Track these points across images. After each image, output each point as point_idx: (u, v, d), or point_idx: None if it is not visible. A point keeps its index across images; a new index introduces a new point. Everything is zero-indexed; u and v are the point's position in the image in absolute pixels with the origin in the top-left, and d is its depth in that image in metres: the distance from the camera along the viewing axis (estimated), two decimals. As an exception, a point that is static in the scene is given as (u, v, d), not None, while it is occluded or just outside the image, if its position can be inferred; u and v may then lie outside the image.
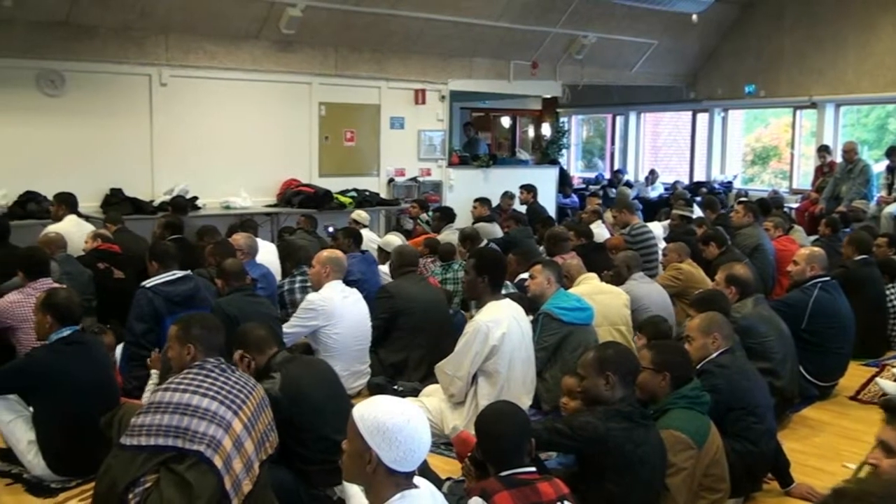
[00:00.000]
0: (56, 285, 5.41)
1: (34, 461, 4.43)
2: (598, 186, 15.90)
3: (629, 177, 17.02)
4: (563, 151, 16.18)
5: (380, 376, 5.95)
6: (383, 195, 11.91)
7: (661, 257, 7.93)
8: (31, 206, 8.79)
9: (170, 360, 3.91)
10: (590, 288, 6.06)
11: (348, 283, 6.02)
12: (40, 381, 4.39)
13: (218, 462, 3.39)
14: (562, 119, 16.39)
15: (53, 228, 7.43)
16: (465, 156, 13.49)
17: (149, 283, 5.57)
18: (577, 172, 18.84)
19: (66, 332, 4.49)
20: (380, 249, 8.12)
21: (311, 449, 3.99)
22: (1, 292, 5.74)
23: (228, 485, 3.39)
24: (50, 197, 8.56)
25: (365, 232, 8.68)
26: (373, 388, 5.75)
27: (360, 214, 9.49)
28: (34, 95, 9.26)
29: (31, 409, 4.51)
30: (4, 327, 5.46)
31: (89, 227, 7.80)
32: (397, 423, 2.51)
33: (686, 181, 16.00)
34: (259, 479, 3.54)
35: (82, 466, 4.32)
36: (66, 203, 8.12)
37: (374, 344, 6.00)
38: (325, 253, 6.04)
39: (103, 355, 4.76)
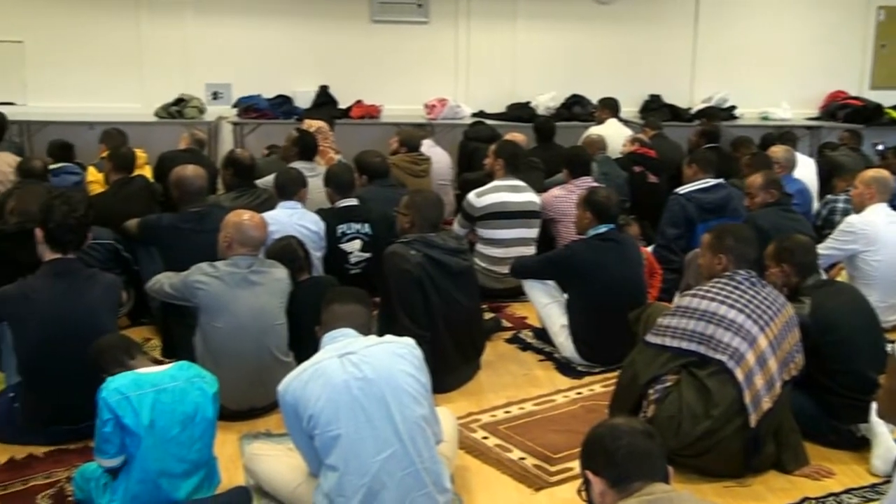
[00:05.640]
0: (596, 184, 5.73)
1: (565, 344, 4.80)
2: None
3: None
4: None
5: (923, 313, 5.40)
6: (947, 112, 10.54)
7: None
8: (576, 108, 9.29)
9: (700, 266, 3.94)
10: None
11: (896, 207, 5.50)
12: (576, 272, 4.72)
13: (739, 375, 3.38)
14: None
15: (595, 131, 7.90)
16: None
17: (683, 189, 5.72)
18: None
19: (602, 229, 4.75)
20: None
21: (837, 381, 3.78)
22: (546, 187, 6.27)
23: (748, 399, 3.37)
24: (594, 101, 9.00)
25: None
26: (912, 325, 5.25)
27: None
28: (588, 4, 9.64)
29: (565, 295, 4.88)
30: (547, 219, 5.94)
31: (628, 132, 8.08)
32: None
33: None
34: (780, 398, 3.46)
35: (607, 355, 4.58)
36: (609, 107, 8.51)
37: (920, 277, 5.43)
38: (870, 173, 5.56)
39: (635, 254, 4.94)
